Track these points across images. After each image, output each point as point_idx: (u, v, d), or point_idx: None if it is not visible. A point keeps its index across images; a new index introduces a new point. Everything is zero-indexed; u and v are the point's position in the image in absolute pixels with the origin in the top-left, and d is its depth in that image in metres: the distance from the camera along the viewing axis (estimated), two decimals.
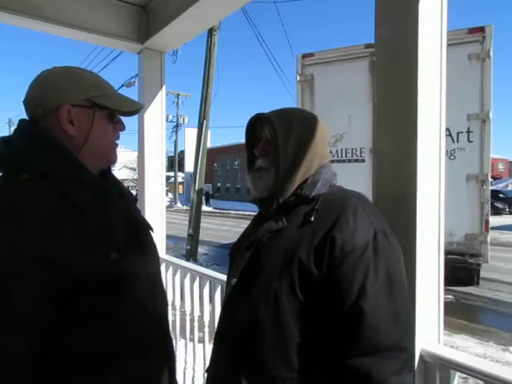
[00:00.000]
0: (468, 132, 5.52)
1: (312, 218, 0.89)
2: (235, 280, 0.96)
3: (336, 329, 0.83)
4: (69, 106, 0.91)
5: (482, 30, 5.39)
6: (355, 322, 0.80)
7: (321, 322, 0.85)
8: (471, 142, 5.53)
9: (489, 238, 5.65)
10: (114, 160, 1.02)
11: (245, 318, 0.91)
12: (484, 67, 5.35)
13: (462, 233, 5.61)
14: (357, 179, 5.40)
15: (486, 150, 5.46)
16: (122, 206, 1.00)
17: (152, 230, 1.07)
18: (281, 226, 0.93)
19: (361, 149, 5.75)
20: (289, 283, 0.85)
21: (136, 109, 1.01)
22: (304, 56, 6.10)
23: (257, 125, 1.04)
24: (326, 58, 5.95)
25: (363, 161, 5.77)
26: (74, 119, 0.91)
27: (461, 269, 5.75)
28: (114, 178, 1.05)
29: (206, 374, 1.06)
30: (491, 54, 5.29)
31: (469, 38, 5.44)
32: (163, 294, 1.04)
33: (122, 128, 1.02)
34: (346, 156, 5.84)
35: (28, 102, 0.94)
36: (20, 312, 0.76)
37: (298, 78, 6.07)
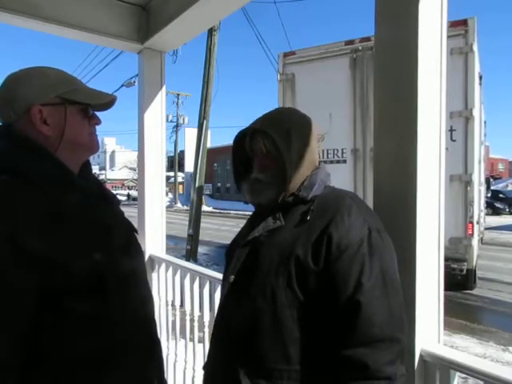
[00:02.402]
0: (451, 130, 5.24)
1: (308, 217, 0.92)
2: (233, 277, 0.99)
3: (332, 322, 0.85)
4: (39, 106, 0.89)
5: (464, 23, 5.13)
6: (351, 314, 0.83)
7: (317, 315, 0.88)
8: (454, 141, 5.25)
9: (475, 242, 5.40)
10: (95, 149, 1.00)
11: (243, 313, 0.94)
12: (467, 62, 5.10)
13: (446, 236, 5.27)
14: (339, 181, 5.31)
15: (470, 150, 5.21)
16: (107, 207, 0.99)
17: (136, 232, 1.07)
18: (278, 224, 0.96)
19: (342, 149, 5.61)
20: (286, 279, 0.88)
21: (108, 101, 0.99)
22: (285, 54, 5.97)
23: (245, 138, 1.04)
24: (307, 56, 5.80)
25: (345, 161, 5.63)
26: (46, 118, 0.90)
27: (444, 274, 5.44)
28: (95, 179, 1.04)
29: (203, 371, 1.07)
30: (474, 48, 5.04)
31: (451, 32, 5.05)
32: (150, 295, 1.05)
33: (98, 122, 1.00)
34: (327, 157, 5.69)
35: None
36: (9, 310, 0.76)
37: (279, 78, 5.94)
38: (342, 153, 5.64)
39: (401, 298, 0.89)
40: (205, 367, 1.06)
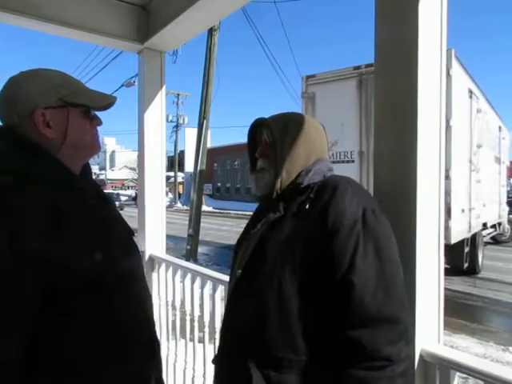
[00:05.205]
0: None
1: (307, 206, 0.95)
2: (240, 271, 1.01)
3: (332, 305, 0.86)
4: (42, 110, 0.90)
5: None
6: (346, 295, 0.84)
7: (321, 301, 0.89)
8: None
9: (452, 224, 6.32)
10: (97, 149, 1.02)
11: (251, 305, 0.95)
12: (446, 84, 5.95)
13: None
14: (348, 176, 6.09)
15: (448, 151, 6.04)
16: (106, 207, 1.00)
17: (133, 235, 1.07)
18: (278, 215, 0.98)
19: (351, 151, 6.72)
20: (291, 269, 0.90)
21: (109, 103, 1.00)
22: (308, 77, 7.23)
23: (257, 129, 1.12)
24: (324, 78, 7.08)
25: (353, 161, 6.74)
26: (49, 121, 0.91)
27: None
28: (94, 181, 1.05)
29: (213, 366, 1.09)
30: (451, 73, 6.04)
31: None
32: (149, 295, 1.07)
33: (99, 123, 1.02)
34: (339, 158, 6.89)
35: (2, 111, 0.93)
36: (9, 312, 0.76)
37: (303, 96, 7.30)
38: (351, 154, 6.79)
39: (400, 276, 0.89)
40: (214, 361, 1.09)
